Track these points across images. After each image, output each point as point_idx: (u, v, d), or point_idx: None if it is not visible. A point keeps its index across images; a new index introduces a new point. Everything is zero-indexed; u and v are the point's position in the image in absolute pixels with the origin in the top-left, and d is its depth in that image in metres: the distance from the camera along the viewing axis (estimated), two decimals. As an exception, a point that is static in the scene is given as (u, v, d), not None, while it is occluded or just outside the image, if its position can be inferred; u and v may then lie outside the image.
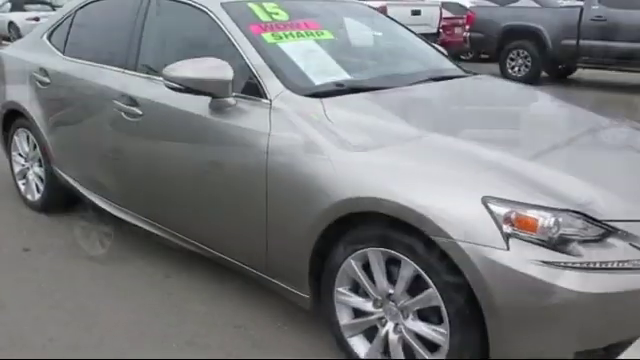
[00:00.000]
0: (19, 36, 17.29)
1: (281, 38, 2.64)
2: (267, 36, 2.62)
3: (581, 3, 9.62)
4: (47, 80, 3.47)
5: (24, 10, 18.05)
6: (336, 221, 2.09)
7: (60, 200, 3.81)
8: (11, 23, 17.44)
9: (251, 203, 2.37)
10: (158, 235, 3.00)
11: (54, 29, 3.66)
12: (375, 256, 2.04)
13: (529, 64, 10.14)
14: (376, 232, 2.01)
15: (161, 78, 2.74)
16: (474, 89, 2.85)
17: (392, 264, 2.03)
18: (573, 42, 9.54)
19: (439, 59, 3.25)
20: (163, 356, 2.40)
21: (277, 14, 2.80)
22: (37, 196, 3.83)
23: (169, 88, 2.44)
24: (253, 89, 2.46)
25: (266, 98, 2.40)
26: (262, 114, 2.36)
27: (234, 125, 2.41)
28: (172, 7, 2.93)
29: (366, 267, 2.10)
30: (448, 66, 3.18)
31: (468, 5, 13.05)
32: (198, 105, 2.54)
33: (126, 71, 3.00)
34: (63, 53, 3.50)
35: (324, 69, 2.59)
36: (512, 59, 10.32)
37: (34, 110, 3.58)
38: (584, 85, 10.51)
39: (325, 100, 2.31)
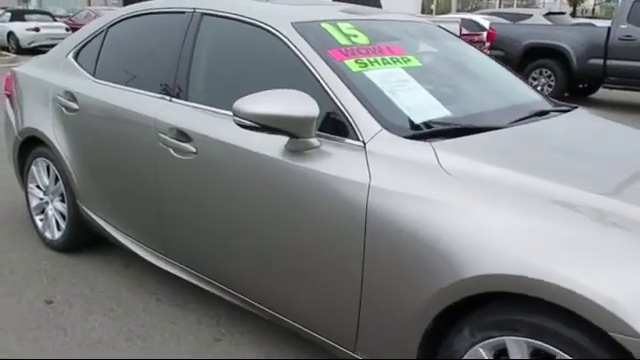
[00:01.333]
0: (18, 46, 16.88)
1: (366, 66, 2.24)
2: (350, 63, 2.22)
3: (592, 22, 9.33)
4: (74, 106, 3.04)
5: (24, 20, 17.63)
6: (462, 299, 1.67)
7: (84, 239, 3.38)
8: (10, 33, 17.02)
9: (340, 268, 1.94)
10: (206, 289, 2.57)
11: (81, 47, 3.24)
12: (517, 347, 1.61)
13: (552, 83, 9.80)
14: (521, 318, 1.59)
15: (219, 110, 2.36)
16: (592, 130, 2.42)
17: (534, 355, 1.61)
18: (600, 62, 9.21)
19: (523, 87, 2.85)
20: None
21: (356, 36, 2.39)
22: (57, 234, 3.39)
23: (240, 126, 2.02)
24: (339, 128, 2.05)
25: (358, 139, 1.99)
26: (355, 160, 1.94)
27: (318, 171, 1.99)
28: (230, 26, 2.52)
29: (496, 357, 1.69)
30: (537, 97, 2.79)
31: (482, 22, 12.75)
32: (270, 145, 2.13)
33: (173, 100, 2.58)
34: (93, 75, 3.08)
35: (420, 104, 2.18)
36: (534, 78, 9.98)
37: (58, 139, 3.15)
38: (607, 105, 10.17)
39: (435, 144, 1.90)
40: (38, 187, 3.51)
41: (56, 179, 3.32)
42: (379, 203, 1.83)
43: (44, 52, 14.07)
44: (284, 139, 2.08)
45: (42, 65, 3.53)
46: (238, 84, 2.43)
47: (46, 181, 3.41)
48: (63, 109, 3.13)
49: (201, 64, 2.56)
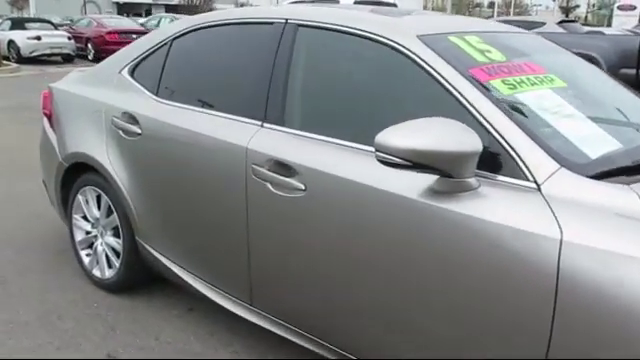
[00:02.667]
0: (19, 55, 16.43)
1: (514, 87, 1.88)
2: (497, 84, 1.86)
3: (601, 30, 9.06)
4: (136, 129, 2.66)
5: (25, 29, 17.19)
6: None
7: (140, 279, 2.99)
8: (11, 42, 16.57)
9: (523, 341, 1.58)
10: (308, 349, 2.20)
11: (138, 63, 2.86)
12: None
13: (580, 93, 9.50)
14: None
15: (331, 139, 2.00)
16: None
17: None
18: (632, 71, 8.92)
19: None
20: None
21: (489, 52, 2.04)
22: (109, 273, 3.00)
23: (382, 162, 1.66)
24: (496, 164, 1.69)
25: (527, 179, 1.62)
26: (530, 206, 1.58)
27: (481, 219, 1.62)
28: (335, 40, 2.16)
29: None
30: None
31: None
32: (410, 185, 1.76)
33: (266, 125, 2.21)
34: (156, 94, 2.70)
35: (586, 133, 1.83)
36: (561, 88, 9.67)
37: (114, 166, 2.77)
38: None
39: (636, 187, 1.54)
40: (85, 219, 3.12)
41: (109, 211, 2.93)
42: (576, 262, 1.46)
43: (45, 61, 13.67)
44: (428, 178, 1.72)
45: (88, 81, 3.15)
46: (353, 109, 2.06)
47: (96, 213, 3.03)
48: (121, 132, 2.75)
49: (300, 84, 2.20)
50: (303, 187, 2.00)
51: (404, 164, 1.62)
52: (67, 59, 17.25)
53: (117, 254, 2.96)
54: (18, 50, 16.41)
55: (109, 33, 17.39)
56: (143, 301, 2.96)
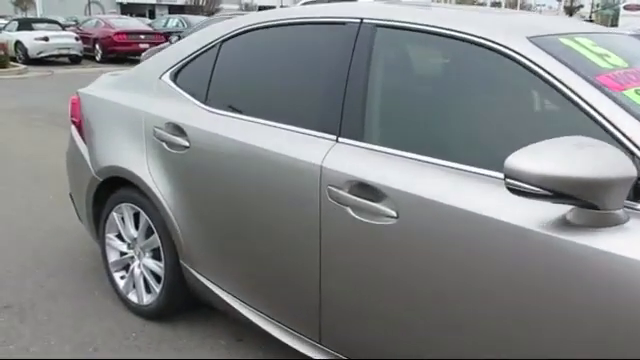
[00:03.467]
0: (26, 56, 16.18)
1: (648, 98, 1.60)
2: (632, 95, 1.58)
3: None
4: (183, 142, 2.38)
5: (32, 29, 16.95)
6: None
7: (182, 306, 2.72)
8: (18, 43, 16.33)
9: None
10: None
11: (181, 67, 2.59)
12: None
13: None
14: None
15: (420, 156, 1.73)
16: None
17: None
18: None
19: None
20: None
21: (608, 56, 1.75)
22: (148, 298, 2.72)
23: (513, 191, 1.38)
24: (643, 191, 1.41)
25: (689, 212, 1.35)
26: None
27: (635, 260, 1.34)
28: (425, 43, 1.88)
29: None
30: None
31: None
32: (525, 213, 1.48)
33: (341, 140, 1.93)
34: (204, 102, 2.43)
35: None
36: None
37: (157, 182, 2.49)
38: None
39: None
40: (120, 238, 2.85)
41: (149, 231, 2.66)
42: None
43: (53, 62, 13.46)
44: (556, 208, 1.44)
45: (123, 87, 2.87)
46: (449, 124, 1.78)
47: (132, 232, 2.75)
48: (164, 145, 2.47)
49: (382, 93, 1.92)
50: (394, 214, 1.72)
51: (543, 194, 1.34)
52: (75, 60, 17.00)
53: (157, 278, 2.68)
54: (25, 51, 16.16)
55: (117, 34, 17.14)
56: (185, 330, 2.69)
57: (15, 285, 3.09)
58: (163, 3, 56.10)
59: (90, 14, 39.44)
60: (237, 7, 49.37)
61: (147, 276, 2.72)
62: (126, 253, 2.83)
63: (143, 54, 10.20)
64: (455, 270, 1.62)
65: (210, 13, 39.97)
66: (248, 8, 48.25)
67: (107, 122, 2.80)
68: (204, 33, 2.62)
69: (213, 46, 2.49)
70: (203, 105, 2.42)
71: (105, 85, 3.05)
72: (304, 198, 1.95)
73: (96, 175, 2.79)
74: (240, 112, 2.28)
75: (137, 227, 2.73)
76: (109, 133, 2.76)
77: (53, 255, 3.49)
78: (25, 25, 17.33)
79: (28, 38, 16.22)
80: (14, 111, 8.93)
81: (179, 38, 9.19)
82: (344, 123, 1.94)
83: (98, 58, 17.62)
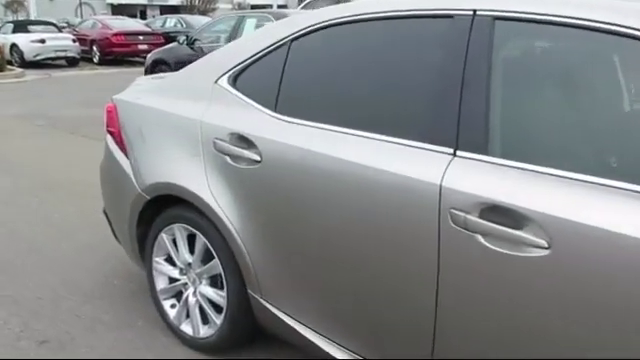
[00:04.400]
0: (22, 59, 15.78)
1: None
2: None
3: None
4: (253, 156, 2.08)
5: (27, 31, 16.54)
6: None
7: (245, 338, 2.42)
8: (14, 46, 15.93)
9: None
10: None
11: (241, 70, 2.29)
12: None
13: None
14: None
15: (570, 174, 1.45)
16: None
17: None
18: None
19: None
20: None
21: None
22: (205, 331, 2.42)
23: None
24: None
25: None
26: None
27: None
28: (563, 38, 1.59)
29: None
30: None
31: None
32: None
33: (460, 154, 1.63)
34: (274, 110, 2.13)
35: None
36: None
37: (221, 202, 2.19)
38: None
39: None
40: (170, 262, 2.55)
41: (206, 255, 2.36)
42: None
43: (49, 65, 13.19)
44: None
45: (167, 93, 2.57)
46: (602, 130, 1.50)
47: (186, 256, 2.45)
48: (228, 159, 2.17)
49: (510, 98, 1.62)
50: (545, 243, 1.43)
51: None
52: (72, 62, 16.61)
53: (217, 308, 2.38)
54: (22, 54, 15.77)
55: (115, 35, 16.76)
56: (248, 364, 2.40)
57: (49, 315, 2.78)
58: (154, 3, 55.55)
59: (82, 16, 38.91)
60: (230, 7, 48.94)
61: (204, 305, 2.42)
62: (178, 279, 2.53)
63: (148, 55, 9.86)
64: (627, 314, 1.33)
65: (203, 12, 39.47)
66: (241, 7, 47.89)
67: (154, 133, 2.50)
68: (266, 32, 2.32)
69: (280, 46, 2.18)
70: (273, 113, 2.12)
71: (145, 91, 2.74)
72: (416, 223, 1.66)
73: (142, 192, 2.48)
74: (322, 121, 1.98)
75: (192, 251, 2.44)
76: (157, 145, 2.46)
77: (84, 277, 3.18)
78: (21, 27, 16.92)
79: (24, 41, 15.81)
80: (16, 117, 8.58)
81: (187, 38, 8.87)
82: (462, 133, 1.64)
83: (96, 60, 17.23)
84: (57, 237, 3.76)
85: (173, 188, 2.36)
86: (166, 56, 9.25)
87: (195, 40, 8.82)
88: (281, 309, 2.14)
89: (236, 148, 2.15)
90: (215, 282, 2.40)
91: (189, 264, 2.46)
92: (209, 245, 2.31)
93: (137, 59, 17.71)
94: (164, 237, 2.51)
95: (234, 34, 8.38)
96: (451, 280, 1.62)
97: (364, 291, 1.85)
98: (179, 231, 2.44)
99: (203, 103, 2.35)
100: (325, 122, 1.97)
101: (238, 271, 2.23)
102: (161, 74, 3.15)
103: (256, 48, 2.26)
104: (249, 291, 2.21)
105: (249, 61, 2.27)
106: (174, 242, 2.49)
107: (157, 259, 2.58)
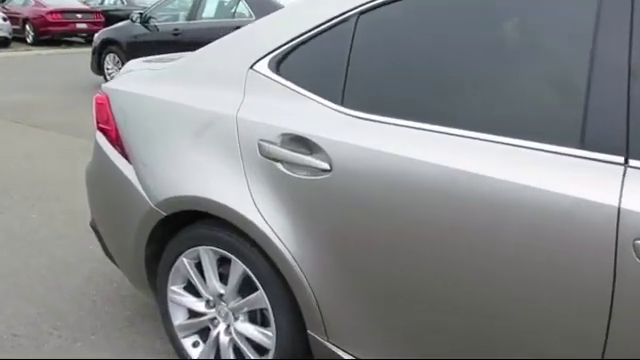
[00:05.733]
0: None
1: None
2: None
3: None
4: (320, 163, 1.61)
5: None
6: None
7: (294, 385, 1.97)
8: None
9: None
10: None
11: (286, 52, 1.80)
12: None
13: None
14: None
15: None
16: None
17: None
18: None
19: None
20: None
21: None
22: (243, 377, 1.96)
23: None
24: None
25: None
26: None
27: None
28: None
29: None
30: None
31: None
32: None
33: (635, 164, 1.24)
34: (340, 103, 1.66)
35: None
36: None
37: (271, 220, 1.71)
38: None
39: None
40: (192, 292, 2.06)
41: (245, 285, 1.89)
42: None
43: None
44: None
45: (183, 80, 2.04)
46: None
47: (217, 286, 1.97)
48: (281, 166, 1.70)
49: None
50: None
51: None
52: (3, 43, 15.24)
53: (258, 348, 1.92)
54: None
55: (50, 13, 15.49)
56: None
57: None
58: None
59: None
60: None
61: (242, 346, 1.95)
62: (203, 313, 2.04)
63: (96, 35, 9.02)
64: None
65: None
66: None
67: (170, 132, 1.98)
68: (316, 3, 1.83)
69: (342, 21, 1.71)
70: (339, 107, 1.66)
71: (147, 78, 2.20)
72: (578, 258, 1.26)
73: (156, 208, 1.97)
74: (413, 118, 1.53)
75: (221, 278, 1.96)
76: (175, 148, 1.95)
77: (67, 304, 2.64)
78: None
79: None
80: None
81: (141, 16, 8.15)
82: (633, 137, 1.24)
83: (30, 40, 15.91)
84: (24, 253, 3.16)
85: (201, 203, 1.86)
86: (117, 36, 8.46)
87: (150, 18, 8.09)
88: (355, 355, 1.70)
89: (293, 153, 1.67)
90: (254, 317, 1.94)
91: (220, 295, 1.98)
92: (251, 274, 1.84)
93: (76, 39, 16.56)
94: (185, 262, 2.01)
95: (194, 11, 7.71)
96: (629, 327, 1.23)
97: (482, 337, 1.44)
98: (207, 255, 1.95)
99: (236, 94, 1.86)
100: (416, 119, 1.53)
101: (293, 306, 1.77)
102: (159, 56, 2.59)
103: (306, 25, 1.78)
104: (309, 331, 1.76)
105: (297, 41, 1.78)
106: (198, 268, 2.00)
107: (174, 288, 2.09)
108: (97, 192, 2.34)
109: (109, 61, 8.69)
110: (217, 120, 1.86)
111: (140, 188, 2.03)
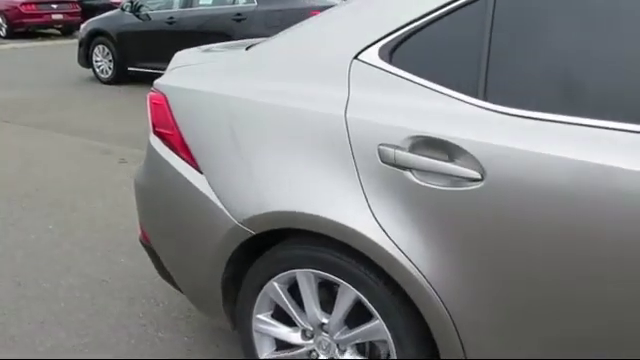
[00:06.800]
0: None
1: None
2: None
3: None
4: (467, 172, 1.33)
5: None
6: None
7: None
8: None
9: None
10: None
11: (403, 38, 1.51)
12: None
13: None
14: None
15: None
16: None
17: None
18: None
19: None
20: None
21: None
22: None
23: None
24: None
25: None
26: None
27: None
28: None
29: None
30: None
31: None
32: None
33: None
34: (483, 98, 1.39)
35: None
36: None
37: (398, 239, 1.44)
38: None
39: None
40: (284, 320, 1.78)
41: (355, 313, 1.61)
42: None
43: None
44: None
45: (264, 74, 1.74)
46: None
47: (317, 313, 1.68)
48: (409, 175, 1.42)
49: None
50: None
51: None
52: (-25, 37, 14.58)
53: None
54: None
55: (24, 4, 14.80)
56: None
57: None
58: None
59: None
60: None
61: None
62: (299, 345, 1.76)
63: (82, 26, 8.55)
64: None
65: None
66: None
67: (254, 137, 1.67)
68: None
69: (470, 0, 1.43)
70: (482, 102, 1.38)
71: (213, 72, 1.90)
72: None
73: (242, 225, 1.67)
74: (593, 115, 1.26)
75: (327, 307, 1.68)
76: (265, 156, 1.65)
77: (112, 331, 2.33)
78: None
79: None
80: None
81: (132, 5, 7.73)
82: None
83: (3, 34, 15.18)
84: (49, 271, 2.83)
85: (303, 220, 1.57)
86: (106, 26, 8.00)
87: (141, 6, 7.65)
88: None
89: (428, 160, 1.39)
90: (362, 349, 1.67)
91: (320, 324, 1.70)
92: (366, 301, 1.56)
93: (52, 30, 15.92)
94: (276, 287, 1.72)
95: (190, -1, 7.31)
96: None
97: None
98: (306, 279, 1.66)
99: (337, 90, 1.57)
100: (586, 114, 1.26)
101: (424, 339, 1.51)
102: (219, 44, 2.27)
103: (429, 3, 1.50)
104: (444, 366, 1.50)
105: (419, 23, 1.50)
106: (292, 293, 1.72)
107: (260, 316, 1.80)
108: (154, 206, 2.03)
109: (98, 53, 8.24)
110: (319, 121, 1.57)
111: (219, 202, 1.73)
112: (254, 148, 1.67)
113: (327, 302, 1.69)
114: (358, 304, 1.59)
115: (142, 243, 2.19)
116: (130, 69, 8.01)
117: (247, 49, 1.95)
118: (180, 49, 2.21)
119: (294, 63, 1.70)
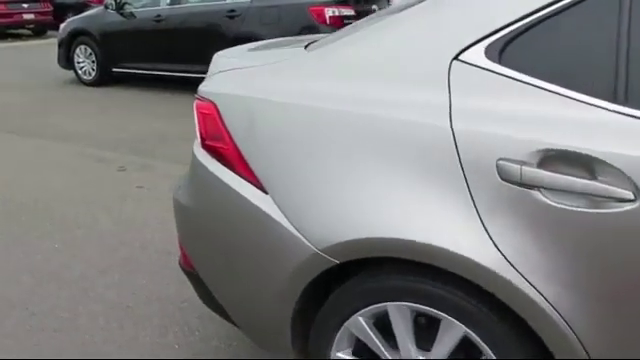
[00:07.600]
0: None
1: None
2: None
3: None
4: (616, 192, 1.13)
5: None
6: None
7: None
8: None
9: None
10: None
11: (514, 36, 1.31)
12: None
13: None
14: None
15: None
16: None
17: None
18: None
19: None
20: None
21: None
22: None
23: None
24: None
25: None
26: None
27: None
28: None
29: None
30: None
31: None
32: None
33: None
34: (624, 103, 1.18)
35: None
36: None
37: (531, 271, 1.24)
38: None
39: None
40: (369, 358, 1.56)
41: (461, 351, 1.40)
42: None
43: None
44: None
45: (337, 77, 1.52)
46: None
47: (412, 351, 1.47)
48: (538, 196, 1.21)
49: None
50: None
51: None
52: (-58, 39, 13.95)
53: None
54: None
55: (-6, 4, 14.25)
56: None
57: None
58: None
59: None
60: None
61: None
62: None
63: (62, 25, 8.16)
64: None
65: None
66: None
67: (334, 152, 1.45)
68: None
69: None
70: (624, 109, 1.18)
71: (271, 76, 1.67)
72: None
73: (323, 253, 1.45)
74: None
75: (426, 344, 1.47)
76: (349, 174, 1.43)
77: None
78: None
79: None
80: None
81: (116, 3, 7.38)
82: None
83: (-30, 35, 14.64)
84: (66, 297, 2.57)
85: (402, 248, 1.35)
86: (88, 25, 7.64)
87: (125, 4, 7.32)
88: None
89: (563, 177, 1.19)
90: (467, 389, 1.47)
91: (415, 363, 1.49)
92: (477, 338, 1.36)
93: (23, 31, 15.35)
94: (362, 322, 1.51)
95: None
96: None
97: None
98: (400, 314, 1.45)
99: (435, 95, 1.35)
100: None
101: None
102: (270, 41, 2.04)
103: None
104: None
105: (535, 17, 1.29)
106: (381, 330, 1.51)
107: (340, 354, 1.58)
108: (202, 228, 1.79)
109: (80, 54, 7.87)
110: (418, 133, 1.35)
111: (292, 227, 1.51)
112: (338, 164, 1.45)
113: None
114: (464, 340, 1.39)
115: (182, 268, 1.95)
116: (114, 70, 7.67)
117: (306, 48, 1.74)
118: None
119: (374, 65, 1.48)
